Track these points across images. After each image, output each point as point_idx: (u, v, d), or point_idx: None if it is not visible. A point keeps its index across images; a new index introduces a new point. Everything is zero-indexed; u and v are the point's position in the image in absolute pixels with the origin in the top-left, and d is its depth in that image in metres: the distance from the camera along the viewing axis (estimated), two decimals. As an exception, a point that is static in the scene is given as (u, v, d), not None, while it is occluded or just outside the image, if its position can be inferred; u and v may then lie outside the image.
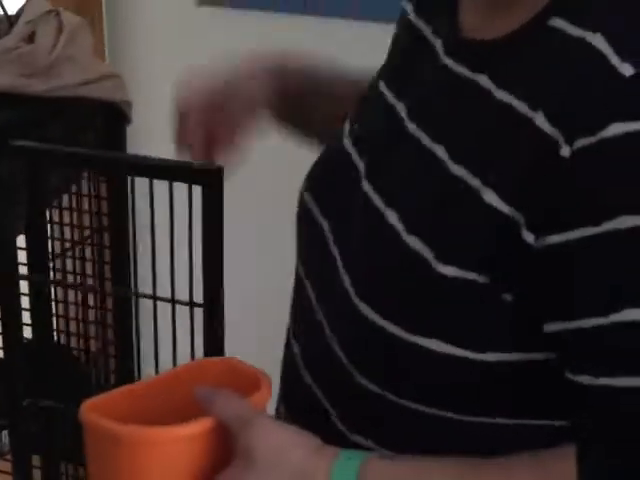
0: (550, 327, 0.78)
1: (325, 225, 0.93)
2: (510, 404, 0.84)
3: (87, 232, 1.10)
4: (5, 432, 1.20)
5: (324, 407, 0.90)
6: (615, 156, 0.75)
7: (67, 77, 1.02)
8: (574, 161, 0.75)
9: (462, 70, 0.87)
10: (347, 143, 0.95)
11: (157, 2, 1.87)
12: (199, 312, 0.97)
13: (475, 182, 0.80)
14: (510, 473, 0.82)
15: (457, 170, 0.82)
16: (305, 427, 0.85)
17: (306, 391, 0.92)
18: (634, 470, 0.79)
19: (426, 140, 0.87)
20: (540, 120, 0.77)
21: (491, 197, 0.79)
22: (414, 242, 0.83)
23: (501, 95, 0.81)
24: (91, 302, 1.14)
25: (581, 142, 0.75)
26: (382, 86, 0.96)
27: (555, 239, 0.76)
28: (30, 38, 1.02)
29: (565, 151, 0.76)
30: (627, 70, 0.75)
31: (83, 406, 0.85)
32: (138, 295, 1.00)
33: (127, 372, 1.14)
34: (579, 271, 0.77)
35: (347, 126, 0.97)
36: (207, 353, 1.00)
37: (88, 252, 1.13)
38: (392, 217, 0.85)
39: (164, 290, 0.98)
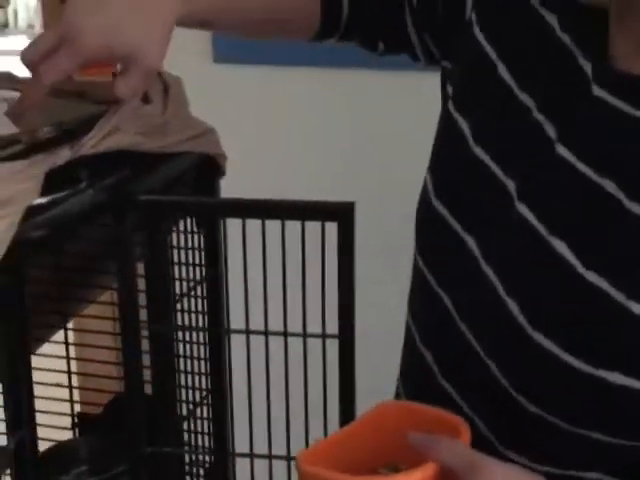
0: None
1: (470, 240, 0.95)
2: None
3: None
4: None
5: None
6: None
7: (177, 134, 1.07)
8: None
9: (620, 105, 0.88)
10: (481, 153, 0.97)
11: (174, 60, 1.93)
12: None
13: None
14: None
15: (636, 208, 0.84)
16: None
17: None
18: None
19: (591, 174, 0.88)
20: None
21: None
22: (594, 278, 0.84)
23: None
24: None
25: None
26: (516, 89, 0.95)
27: None
28: (143, 98, 1.06)
29: None
30: None
31: (299, 457, 0.88)
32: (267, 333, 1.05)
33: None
34: None
35: (468, 131, 0.99)
36: (341, 387, 1.04)
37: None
38: (561, 248, 0.88)
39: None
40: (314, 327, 1.01)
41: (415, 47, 1.13)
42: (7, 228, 0.91)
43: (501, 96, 0.97)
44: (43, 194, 0.96)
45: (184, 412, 1.23)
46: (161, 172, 1.12)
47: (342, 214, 0.97)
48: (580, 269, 0.86)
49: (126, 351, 1.07)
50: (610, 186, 0.86)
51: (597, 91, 0.90)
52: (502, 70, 0.98)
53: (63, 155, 1.01)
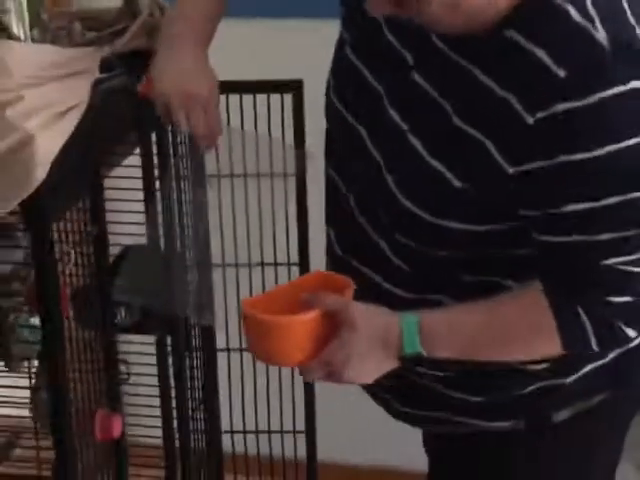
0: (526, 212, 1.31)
1: (360, 129, 1.43)
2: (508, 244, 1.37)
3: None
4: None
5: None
6: None
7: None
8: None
9: (448, 52, 1.33)
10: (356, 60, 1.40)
11: None
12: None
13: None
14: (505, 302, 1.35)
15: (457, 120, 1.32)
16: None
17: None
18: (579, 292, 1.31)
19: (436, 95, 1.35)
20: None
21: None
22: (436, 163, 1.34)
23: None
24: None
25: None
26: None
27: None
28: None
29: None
30: None
31: (244, 303, 1.34)
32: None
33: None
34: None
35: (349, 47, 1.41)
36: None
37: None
38: (415, 142, 1.36)
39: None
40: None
41: None
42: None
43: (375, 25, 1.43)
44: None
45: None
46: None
47: (295, 87, 1.50)
48: (427, 157, 1.35)
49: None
50: (447, 106, 1.34)
51: (436, 41, 1.36)
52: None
53: (105, 50, 1.51)
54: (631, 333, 1.36)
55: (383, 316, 1.35)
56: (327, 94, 1.49)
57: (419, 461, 1.68)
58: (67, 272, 1.46)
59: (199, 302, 1.71)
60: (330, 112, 1.50)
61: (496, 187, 1.30)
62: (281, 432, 1.85)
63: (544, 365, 1.45)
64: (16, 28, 1.41)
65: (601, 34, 1.24)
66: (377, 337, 1.34)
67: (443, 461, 1.64)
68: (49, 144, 1.35)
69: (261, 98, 1.61)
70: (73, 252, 1.45)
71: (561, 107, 1.24)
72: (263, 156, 1.54)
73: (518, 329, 1.37)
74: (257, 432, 1.86)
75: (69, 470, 1.50)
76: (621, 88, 1.23)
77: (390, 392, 1.55)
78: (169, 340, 1.74)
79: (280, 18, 2.04)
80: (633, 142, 1.24)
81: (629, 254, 1.30)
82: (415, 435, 1.65)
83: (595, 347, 1.36)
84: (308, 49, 1.80)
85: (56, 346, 1.45)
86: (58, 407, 1.48)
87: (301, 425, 1.85)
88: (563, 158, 1.25)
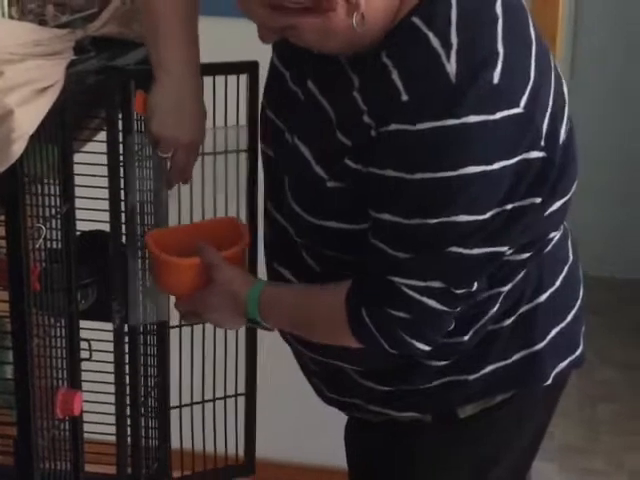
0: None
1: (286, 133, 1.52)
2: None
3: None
4: None
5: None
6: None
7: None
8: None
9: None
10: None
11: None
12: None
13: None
14: (322, 290, 1.48)
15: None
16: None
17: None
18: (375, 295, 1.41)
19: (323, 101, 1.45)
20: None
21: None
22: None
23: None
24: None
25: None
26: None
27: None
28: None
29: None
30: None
31: (148, 237, 1.62)
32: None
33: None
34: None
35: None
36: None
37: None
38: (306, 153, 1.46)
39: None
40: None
41: None
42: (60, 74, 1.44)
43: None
44: (74, 54, 1.50)
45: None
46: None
47: (251, 68, 1.57)
48: (311, 162, 1.44)
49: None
50: (332, 114, 1.42)
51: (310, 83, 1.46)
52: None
53: (79, 33, 1.54)
54: (421, 346, 1.43)
55: (238, 281, 1.55)
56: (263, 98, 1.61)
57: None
58: (37, 247, 1.48)
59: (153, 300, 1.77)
60: (261, 114, 1.61)
61: (356, 185, 1.39)
62: (224, 398, 1.97)
63: (446, 362, 1.53)
64: (-5, 6, 1.44)
65: (452, 65, 1.28)
66: (229, 297, 1.55)
67: (359, 450, 1.72)
68: (27, 120, 1.38)
69: (219, 80, 1.69)
70: (44, 228, 1.47)
71: (394, 127, 1.31)
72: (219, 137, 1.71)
73: (320, 317, 1.50)
74: (203, 402, 1.95)
75: (32, 447, 1.51)
76: (452, 122, 1.27)
77: (317, 377, 1.65)
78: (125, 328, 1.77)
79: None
80: (448, 174, 1.29)
81: (417, 279, 1.37)
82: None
83: (389, 348, 1.44)
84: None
85: (24, 322, 1.47)
86: (22, 384, 1.50)
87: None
88: (386, 171, 1.33)
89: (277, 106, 1.54)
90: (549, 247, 1.52)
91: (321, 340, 1.53)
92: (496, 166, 1.29)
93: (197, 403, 1.94)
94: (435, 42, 1.30)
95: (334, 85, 1.42)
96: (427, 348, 1.44)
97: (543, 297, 1.54)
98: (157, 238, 1.61)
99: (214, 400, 1.93)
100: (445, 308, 1.39)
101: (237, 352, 1.91)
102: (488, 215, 1.32)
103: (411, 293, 1.38)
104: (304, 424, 2.85)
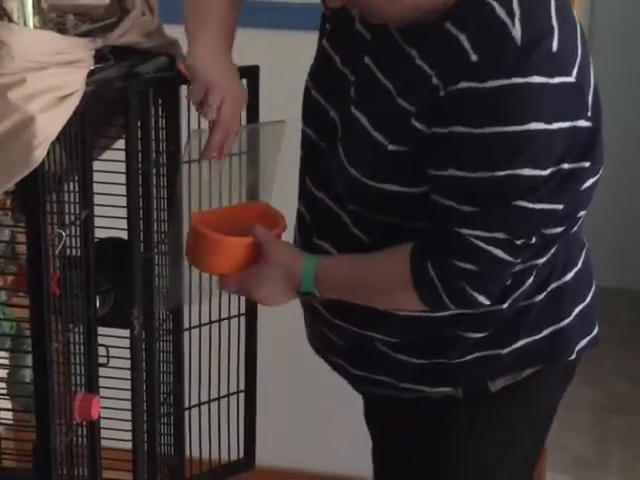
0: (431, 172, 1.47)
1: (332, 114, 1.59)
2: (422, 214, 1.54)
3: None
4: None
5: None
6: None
7: (164, 38, 1.65)
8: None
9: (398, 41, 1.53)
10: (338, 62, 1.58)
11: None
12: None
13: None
14: (378, 256, 1.55)
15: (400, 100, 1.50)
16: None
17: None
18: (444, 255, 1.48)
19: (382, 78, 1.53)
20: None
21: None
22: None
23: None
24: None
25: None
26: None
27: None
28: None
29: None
30: None
31: (194, 216, 1.64)
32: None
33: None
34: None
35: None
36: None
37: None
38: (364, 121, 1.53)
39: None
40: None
41: None
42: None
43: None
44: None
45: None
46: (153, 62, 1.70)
47: (251, 73, 1.59)
48: (369, 128, 1.51)
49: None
50: (390, 85, 1.50)
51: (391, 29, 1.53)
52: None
53: (99, 42, 1.56)
54: (482, 299, 1.51)
55: (291, 255, 1.61)
56: (306, 81, 1.68)
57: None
58: (57, 254, 1.50)
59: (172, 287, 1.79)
60: (305, 97, 1.67)
61: (417, 148, 1.48)
62: (227, 395, 1.99)
63: (483, 334, 1.61)
64: (18, 14, 1.46)
65: (517, 30, 1.41)
66: (283, 271, 1.60)
67: (387, 429, 1.76)
68: (48, 126, 1.40)
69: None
70: (64, 234, 1.49)
71: (465, 85, 1.41)
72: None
73: (381, 279, 1.56)
74: (209, 401, 1.98)
75: (51, 450, 1.53)
76: (519, 80, 1.39)
77: (343, 355, 1.70)
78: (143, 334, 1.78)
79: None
80: (515, 129, 1.40)
81: (483, 230, 1.46)
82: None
83: (449, 303, 1.51)
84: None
85: (43, 327, 1.49)
86: (41, 387, 1.51)
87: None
88: (455, 128, 1.43)
89: (325, 86, 1.63)
90: (575, 227, 1.62)
91: (378, 304, 1.58)
92: (554, 126, 1.41)
93: (204, 403, 1.96)
94: (500, 11, 1.42)
95: (392, 60, 1.52)
96: (487, 302, 1.51)
97: (569, 275, 1.65)
98: (201, 219, 1.64)
99: (219, 399, 1.96)
100: (510, 258, 1.48)
101: (238, 351, 1.94)
102: (548, 171, 1.44)
103: (478, 243, 1.46)
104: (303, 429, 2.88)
